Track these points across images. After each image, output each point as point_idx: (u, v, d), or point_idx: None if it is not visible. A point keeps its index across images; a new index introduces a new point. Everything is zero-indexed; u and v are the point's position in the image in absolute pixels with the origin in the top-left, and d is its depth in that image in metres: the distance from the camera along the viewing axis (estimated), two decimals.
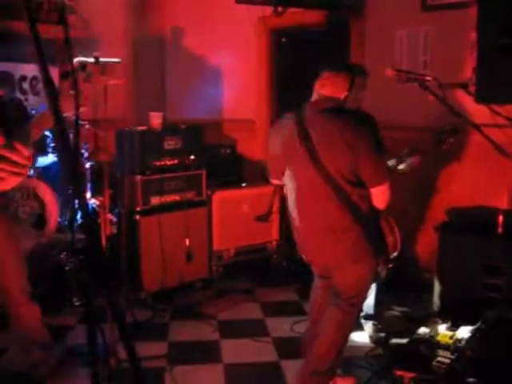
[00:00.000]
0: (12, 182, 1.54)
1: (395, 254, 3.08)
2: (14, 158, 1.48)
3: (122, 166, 4.54)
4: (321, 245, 3.03)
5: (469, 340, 3.37)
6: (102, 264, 1.31)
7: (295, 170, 3.01)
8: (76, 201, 1.29)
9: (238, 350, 3.86)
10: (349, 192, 2.86)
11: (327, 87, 2.95)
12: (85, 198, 1.31)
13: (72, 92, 1.58)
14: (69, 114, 1.59)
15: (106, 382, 2.99)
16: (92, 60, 1.61)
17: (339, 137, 2.78)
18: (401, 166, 3.34)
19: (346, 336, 3.16)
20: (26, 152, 1.50)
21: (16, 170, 1.50)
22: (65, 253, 4.43)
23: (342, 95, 2.95)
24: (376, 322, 3.89)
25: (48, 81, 1.29)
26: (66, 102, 1.57)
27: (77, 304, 4.29)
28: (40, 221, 4.76)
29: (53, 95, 1.29)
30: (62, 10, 1.43)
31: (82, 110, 1.58)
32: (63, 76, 1.57)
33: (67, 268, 4.26)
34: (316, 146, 2.86)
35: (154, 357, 3.64)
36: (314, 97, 3.01)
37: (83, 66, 1.59)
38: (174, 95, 6.53)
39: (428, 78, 3.27)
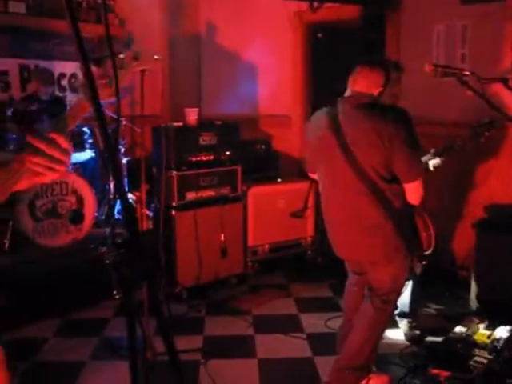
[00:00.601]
0: (50, 176, 1.50)
1: (429, 250, 3.05)
2: (50, 151, 1.45)
3: (159, 162, 4.58)
4: (354, 241, 3.02)
5: (507, 340, 3.31)
6: (142, 258, 1.33)
7: (329, 166, 3.00)
8: (117, 196, 1.30)
9: (272, 346, 3.87)
10: (382, 188, 2.84)
11: (361, 82, 2.94)
12: (126, 192, 1.30)
13: (104, 81, 1.57)
14: (103, 101, 1.53)
15: (144, 375, 3.03)
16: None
17: (374, 133, 2.76)
18: (434, 162, 3.30)
19: (380, 333, 3.14)
20: (65, 143, 1.46)
21: (52, 165, 1.47)
22: (105, 247, 4.52)
23: (376, 91, 2.93)
24: (411, 320, 3.85)
25: (90, 78, 1.30)
26: (99, 91, 1.51)
27: (117, 297, 4.38)
28: (78, 216, 4.85)
29: (94, 92, 1.30)
30: (105, 9, 1.44)
31: (113, 98, 1.57)
32: (96, 63, 1.53)
33: (107, 262, 4.34)
34: (350, 142, 2.85)
35: (189, 350, 3.67)
36: (348, 92, 2.99)
37: (124, 46, 1.60)
38: (210, 91, 6.57)
39: (466, 73, 3.21)
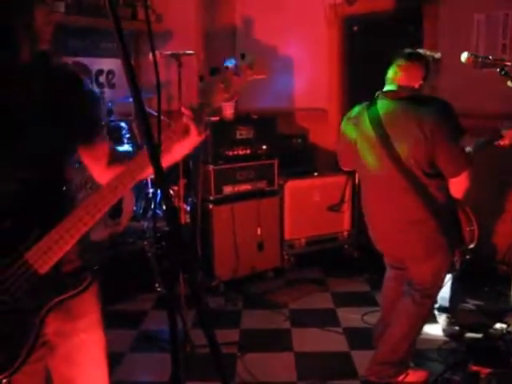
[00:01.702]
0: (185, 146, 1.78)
1: (472, 245, 3.01)
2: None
3: (196, 156, 4.62)
4: (395, 236, 3.00)
5: None
6: (183, 251, 1.36)
7: (369, 161, 2.98)
8: (158, 190, 1.34)
9: (308, 340, 3.87)
10: (425, 183, 2.81)
11: (401, 76, 2.91)
12: (168, 187, 1.35)
13: (222, 85, 1.72)
14: (220, 103, 1.77)
15: (183, 368, 3.07)
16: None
17: (417, 127, 2.74)
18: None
19: (419, 328, 3.12)
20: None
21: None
22: (147, 240, 4.57)
23: (417, 84, 2.90)
24: (450, 315, 3.80)
25: (131, 74, 1.34)
26: (217, 95, 1.72)
27: (158, 290, 4.43)
28: (116, 210, 4.91)
29: (135, 88, 1.35)
30: (145, 6, 1.47)
31: (230, 102, 1.77)
32: (212, 72, 1.69)
33: (149, 254, 4.39)
34: (391, 137, 2.82)
35: (226, 343, 3.70)
36: (388, 86, 2.96)
37: (240, 56, 1.72)
38: (245, 85, 6.57)
39: (508, 63, 3.15)
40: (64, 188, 1.81)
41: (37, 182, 1.70)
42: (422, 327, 3.15)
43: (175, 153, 1.77)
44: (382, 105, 2.91)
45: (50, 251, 1.63)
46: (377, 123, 2.87)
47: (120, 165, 1.87)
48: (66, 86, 1.77)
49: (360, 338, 3.80)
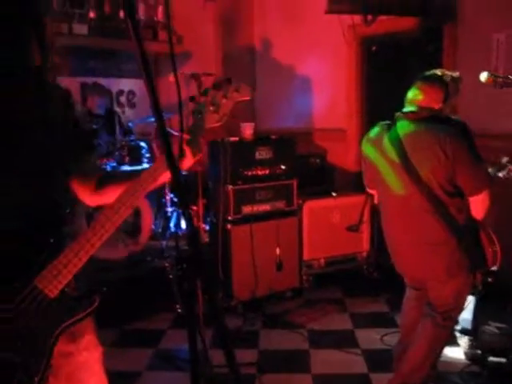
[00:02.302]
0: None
1: (495, 266, 2.98)
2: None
3: (215, 176, 4.65)
4: (416, 257, 2.98)
5: None
6: (205, 273, 1.37)
7: (389, 181, 2.98)
8: (180, 210, 1.35)
9: (327, 361, 3.84)
10: (446, 203, 2.80)
11: (421, 97, 2.91)
12: (189, 207, 1.37)
13: (212, 108, 1.76)
14: (210, 126, 1.80)
15: None
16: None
17: (438, 147, 2.74)
18: (500, 174, 3.22)
19: (440, 350, 3.08)
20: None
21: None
22: (168, 261, 4.59)
23: (437, 105, 2.90)
24: (472, 338, 3.75)
25: (153, 94, 1.38)
26: (207, 116, 1.77)
27: (179, 311, 4.44)
28: (134, 229, 4.94)
29: (157, 108, 1.38)
30: (169, 31, 1.50)
31: (218, 124, 1.80)
32: (203, 92, 1.74)
33: (171, 276, 4.40)
34: (412, 157, 2.82)
35: (245, 364, 3.68)
36: (408, 106, 2.96)
37: (220, 83, 1.78)
38: (264, 105, 6.61)
39: None
40: (68, 210, 1.82)
41: (40, 205, 1.72)
42: (442, 349, 3.11)
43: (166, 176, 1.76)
44: (402, 125, 2.91)
45: (60, 275, 1.64)
46: (397, 144, 2.88)
47: (109, 185, 1.90)
48: (58, 105, 1.80)
49: (379, 359, 3.76)
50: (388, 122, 3.02)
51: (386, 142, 2.94)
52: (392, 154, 2.90)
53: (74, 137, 1.88)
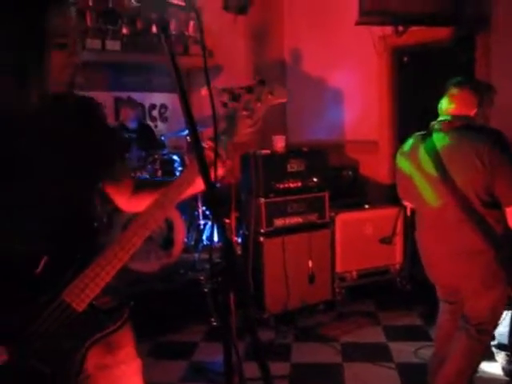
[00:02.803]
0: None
1: None
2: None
3: (247, 189, 4.67)
4: (451, 268, 2.94)
5: None
6: (240, 285, 1.38)
7: (425, 193, 2.96)
8: (214, 223, 1.36)
9: (360, 375, 3.80)
10: (483, 214, 2.77)
11: (456, 105, 2.89)
12: (224, 221, 1.38)
13: (245, 113, 1.70)
14: (245, 132, 1.73)
15: None
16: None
17: (474, 156, 2.72)
18: None
19: (475, 365, 3.03)
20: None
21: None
22: (203, 274, 4.61)
23: (472, 112, 2.88)
24: (510, 353, 3.67)
25: (187, 107, 1.39)
26: (241, 122, 1.71)
27: (214, 324, 4.46)
28: (167, 242, 4.98)
29: (191, 122, 1.39)
30: (203, 48, 1.51)
31: (253, 129, 1.73)
32: (235, 98, 1.68)
33: (205, 290, 4.42)
34: (449, 167, 2.80)
35: (277, 377, 3.67)
36: (443, 116, 2.94)
37: (253, 86, 1.72)
38: (295, 118, 6.62)
39: None
40: (95, 224, 1.85)
41: (67, 220, 1.73)
42: (478, 364, 3.06)
43: (199, 184, 1.70)
44: (438, 136, 2.89)
45: (87, 289, 1.65)
46: (434, 155, 2.85)
47: (144, 191, 1.92)
48: (80, 124, 1.79)
49: (413, 373, 3.72)
50: (422, 132, 3.00)
51: (421, 153, 2.92)
52: (428, 165, 2.88)
53: (107, 144, 1.90)
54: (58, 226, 1.72)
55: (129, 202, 1.99)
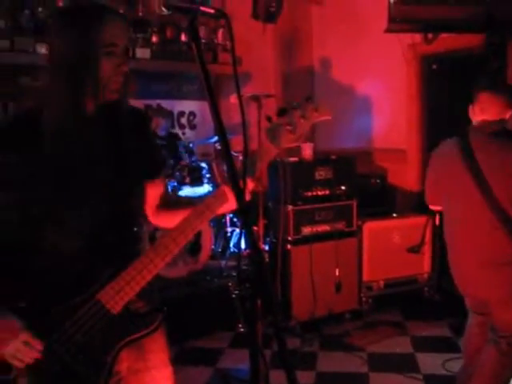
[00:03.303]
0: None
1: None
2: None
3: (275, 197, 4.67)
4: (482, 278, 2.89)
5: None
6: (268, 293, 1.39)
7: (458, 199, 2.92)
8: (243, 230, 1.37)
9: None
10: None
11: (490, 110, 2.85)
12: (252, 228, 1.38)
13: (288, 127, 1.71)
14: (286, 146, 1.75)
15: None
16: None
17: (511, 162, 2.68)
18: None
19: (506, 379, 2.97)
20: (250, 184, 1.72)
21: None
22: (231, 280, 4.63)
23: (507, 114, 2.83)
24: None
25: (217, 115, 1.42)
26: (284, 137, 1.72)
27: (242, 330, 4.49)
28: (195, 248, 5.00)
29: (221, 128, 1.41)
30: (233, 52, 1.52)
31: (295, 144, 1.76)
32: (280, 112, 1.72)
33: (233, 296, 4.44)
34: (484, 173, 2.76)
35: None
36: (476, 121, 2.90)
37: (298, 103, 1.75)
38: (323, 125, 6.58)
39: None
40: (135, 229, 1.88)
41: (108, 222, 1.77)
42: (509, 379, 3.00)
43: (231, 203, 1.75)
44: (474, 141, 2.85)
45: (122, 292, 1.68)
46: (469, 160, 2.81)
47: (171, 209, 1.95)
48: (132, 131, 1.83)
49: None
50: (458, 138, 2.95)
51: (457, 158, 2.88)
52: (464, 170, 2.83)
53: (155, 156, 1.97)
54: (100, 227, 1.76)
55: (157, 215, 2.01)
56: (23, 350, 1.64)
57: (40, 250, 1.75)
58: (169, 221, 1.80)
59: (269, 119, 1.76)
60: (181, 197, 4.92)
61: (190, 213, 1.72)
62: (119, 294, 1.68)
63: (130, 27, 6.03)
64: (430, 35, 5.40)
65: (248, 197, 1.68)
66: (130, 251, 1.78)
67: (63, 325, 1.68)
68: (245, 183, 1.52)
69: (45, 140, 1.68)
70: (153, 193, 1.98)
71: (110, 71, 1.70)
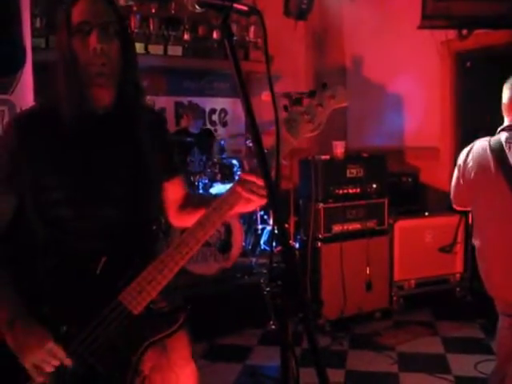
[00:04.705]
0: (256, 203, 1.73)
1: None
2: (259, 182, 1.66)
3: (306, 194, 4.66)
4: (509, 278, 2.84)
5: None
6: (300, 290, 1.38)
7: (489, 199, 2.86)
8: (275, 228, 1.36)
9: None
10: None
11: None
12: (284, 225, 1.37)
13: (306, 117, 1.68)
14: (305, 136, 1.72)
15: None
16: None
17: None
18: None
19: None
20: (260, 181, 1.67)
21: (260, 191, 1.68)
22: (263, 277, 4.64)
23: None
24: None
25: (250, 112, 1.42)
26: (302, 126, 1.69)
27: (272, 327, 4.48)
28: (226, 246, 5.02)
29: (254, 125, 1.41)
30: (266, 50, 1.52)
31: (314, 133, 1.72)
32: (296, 102, 1.69)
33: (265, 292, 4.44)
34: None
35: None
36: (509, 120, 2.85)
37: (315, 90, 1.71)
38: (356, 123, 6.57)
39: None
40: (154, 228, 1.88)
41: (128, 222, 1.76)
42: None
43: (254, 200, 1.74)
44: (507, 139, 2.79)
45: (144, 292, 1.66)
46: (500, 159, 2.76)
47: (193, 208, 1.92)
48: (148, 130, 1.83)
49: None
50: (489, 137, 2.90)
51: (487, 157, 2.83)
52: (494, 169, 2.78)
53: (170, 156, 1.96)
54: (118, 227, 1.75)
55: (179, 216, 2.01)
56: (47, 359, 1.63)
57: (60, 251, 1.75)
58: (191, 221, 1.76)
59: (285, 108, 1.72)
60: (205, 195, 4.94)
61: (208, 209, 1.70)
62: (141, 294, 1.66)
63: (163, 25, 6.07)
64: (464, 31, 5.33)
65: (265, 195, 1.66)
66: (150, 250, 1.78)
67: (86, 327, 1.67)
68: (277, 180, 1.50)
69: (64, 132, 1.69)
70: (172, 193, 1.97)
71: (85, 52, 1.64)
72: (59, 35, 1.67)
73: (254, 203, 1.72)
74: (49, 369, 1.64)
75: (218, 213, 1.70)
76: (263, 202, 1.69)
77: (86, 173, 1.71)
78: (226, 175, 5.26)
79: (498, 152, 2.79)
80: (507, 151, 2.77)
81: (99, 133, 1.73)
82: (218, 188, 5.17)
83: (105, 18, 1.66)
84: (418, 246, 4.94)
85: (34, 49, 3.60)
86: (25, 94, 3.44)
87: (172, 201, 1.99)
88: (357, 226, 4.74)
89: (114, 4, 1.71)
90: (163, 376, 1.86)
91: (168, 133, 2.01)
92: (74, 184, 1.70)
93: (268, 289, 1.39)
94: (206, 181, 5.15)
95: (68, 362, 1.65)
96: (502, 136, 2.83)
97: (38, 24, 5.09)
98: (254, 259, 5.19)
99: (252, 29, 6.58)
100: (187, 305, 1.76)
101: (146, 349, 1.71)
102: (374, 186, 4.79)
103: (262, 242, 5.43)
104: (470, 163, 2.98)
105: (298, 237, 4.80)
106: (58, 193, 1.70)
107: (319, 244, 4.57)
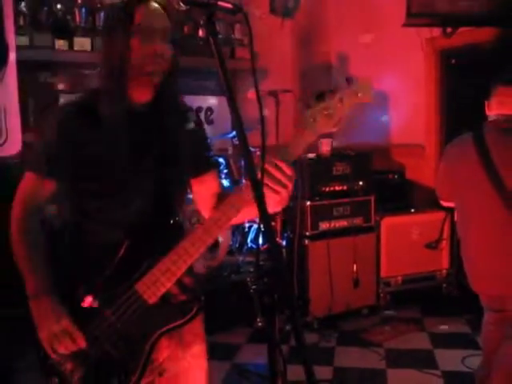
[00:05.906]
0: (274, 199, 1.68)
1: None
2: (277, 175, 1.64)
3: (292, 192, 4.66)
4: (496, 272, 2.86)
5: None
6: (286, 288, 1.39)
7: (471, 194, 2.88)
8: (261, 225, 1.36)
9: (405, 381, 3.76)
10: None
11: (508, 103, 2.80)
12: (271, 224, 1.36)
13: (326, 112, 1.68)
14: (324, 132, 1.71)
15: None
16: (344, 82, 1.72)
17: None
18: None
19: None
20: (289, 170, 1.65)
21: (277, 187, 1.65)
22: (249, 275, 4.64)
23: None
24: None
25: (235, 110, 1.44)
26: (321, 122, 1.69)
27: (260, 324, 4.47)
28: (212, 244, 4.99)
29: (239, 123, 1.43)
30: (251, 48, 1.52)
31: (334, 129, 1.71)
32: (318, 97, 1.66)
33: (251, 291, 4.45)
34: (500, 170, 2.72)
35: (319, 381, 3.65)
36: (494, 116, 2.86)
37: (338, 86, 1.69)
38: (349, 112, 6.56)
39: None
40: (172, 221, 1.90)
41: (149, 214, 1.81)
42: None
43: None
44: (490, 136, 2.81)
45: (158, 282, 1.71)
46: (483, 156, 2.77)
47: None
48: (177, 124, 1.88)
49: (460, 382, 3.65)
50: (472, 133, 2.91)
51: (470, 154, 2.84)
52: (476, 166, 2.80)
53: (199, 144, 1.99)
54: (144, 219, 1.80)
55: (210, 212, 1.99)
56: (61, 337, 1.69)
57: (85, 239, 1.82)
58: None
59: (307, 105, 1.70)
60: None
61: (223, 204, 1.72)
62: (155, 284, 1.71)
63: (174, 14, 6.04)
64: (448, 29, 5.36)
65: (290, 186, 1.67)
66: (171, 240, 1.78)
67: (104, 313, 1.73)
68: (262, 178, 1.50)
69: (100, 125, 1.75)
70: (203, 190, 1.99)
71: (141, 53, 1.73)
72: (114, 33, 1.74)
73: (282, 195, 1.69)
74: (62, 348, 1.70)
75: (234, 208, 1.71)
76: (289, 192, 1.69)
77: (121, 166, 1.77)
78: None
79: (480, 147, 2.81)
80: (488, 146, 2.79)
81: (135, 128, 1.79)
82: None
83: (165, 24, 1.79)
84: (404, 242, 4.96)
85: (18, 47, 3.57)
86: (8, 91, 3.41)
87: (203, 197, 2.00)
88: (344, 223, 4.76)
89: (168, 11, 1.83)
90: (176, 365, 1.90)
91: (203, 129, 2.03)
92: (109, 176, 1.77)
93: (255, 287, 1.39)
94: None
95: (81, 342, 1.71)
96: (485, 131, 2.85)
97: (21, 22, 5.04)
98: (240, 257, 5.18)
99: (237, 27, 6.56)
100: (201, 295, 1.81)
101: (160, 338, 1.76)
102: (361, 183, 4.81)
103: (249, 240, 5.42)
104: (453, 159, 2.99)
105: (285, 234, 4.81)
106: (93, 184, 1.78)
107: (306, 242, 4.58)
